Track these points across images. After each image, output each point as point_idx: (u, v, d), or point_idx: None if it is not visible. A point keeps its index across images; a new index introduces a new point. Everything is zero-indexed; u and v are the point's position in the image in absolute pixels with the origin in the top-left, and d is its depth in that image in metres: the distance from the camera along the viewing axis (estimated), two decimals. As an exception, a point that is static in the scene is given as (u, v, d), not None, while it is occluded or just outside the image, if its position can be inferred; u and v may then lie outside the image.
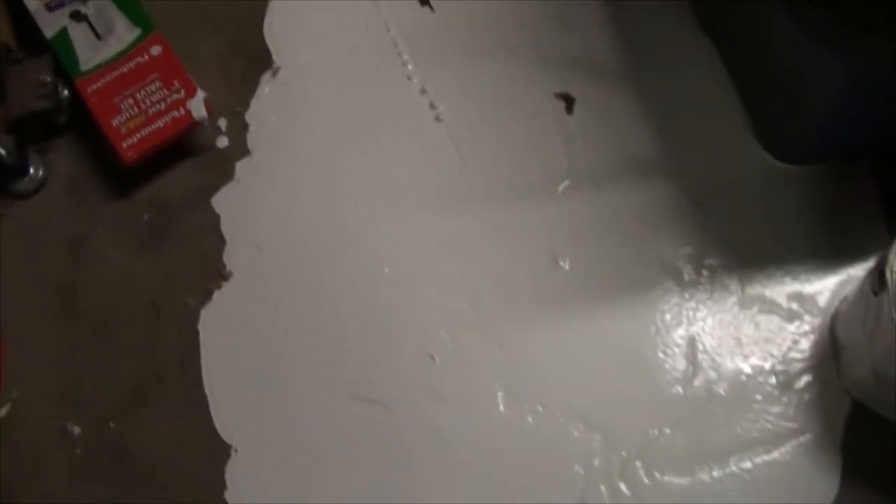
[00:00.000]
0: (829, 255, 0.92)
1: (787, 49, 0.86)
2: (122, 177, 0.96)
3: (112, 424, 0.88)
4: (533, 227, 0.94)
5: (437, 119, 0.99)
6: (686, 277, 0.92)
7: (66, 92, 0.95)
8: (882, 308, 0.75)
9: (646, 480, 0.84)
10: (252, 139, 0.99)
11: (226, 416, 0.88)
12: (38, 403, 0.89)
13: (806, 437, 0.85)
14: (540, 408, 0.87)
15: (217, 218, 0.95)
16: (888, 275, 0.74)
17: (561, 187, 0.96)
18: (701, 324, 0.90)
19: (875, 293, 0.77)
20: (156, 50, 0.95)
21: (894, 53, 0.77)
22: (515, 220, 0.95)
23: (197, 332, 0.91)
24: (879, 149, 0.94)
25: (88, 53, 0.94)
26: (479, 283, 0.92)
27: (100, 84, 0.94)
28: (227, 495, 0.85)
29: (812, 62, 0.84)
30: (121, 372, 0.90)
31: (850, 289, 0.89)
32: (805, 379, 0.87)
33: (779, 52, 0.88)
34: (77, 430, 0.88)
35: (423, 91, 1.00)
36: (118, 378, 0.90)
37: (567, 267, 0.92)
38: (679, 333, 0.90)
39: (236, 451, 0.86)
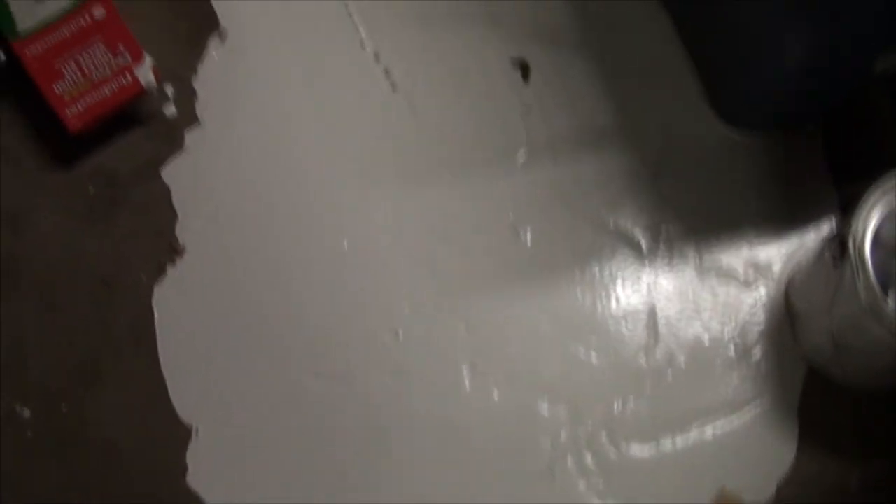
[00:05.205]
0: (781, 222, 0.93)
1: (745, 13, 0.85)
2: (64, 147, 0.91)
3: (64, 405, 0.84)
4: (492, 197, 0.93)
5: (393, 87, 0.96)
6: (644, 247, 0.92)
7: (2, 56, 0.89)
8: (843, 277, 0.77)
9: (612, 450, 0.85)
10: (201, 107, 0.94)
11: (185, 396, 0.85)
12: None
13: (764, 404, 0.87)
14: (505, 382, 0.87)
15: (167, 190, 0.91)
16: (850, 244, 0.75)
17: (519, 157, 0.95)
18: (660, 293, 0.91)
19: (835, 261, 0.78)
20: (99, 11, 0.89)
21: (857, 19, 0.76)
22: (474, 191, 0.93)
23: (151, 309, 0.88)
24: (827, 115, 0.95)
25: (26, 14, 0.89)
26: (439, 255, 0.91)
27: (39, 47, 0.88)
28: (189, 478, 0.82)
29: (773, 27, 0.83)
30: (71, 351, 0.86)
31: (802, 255, 0.91)
32: (762, 346, 0.89)
33: (735, 16, 0.87)
34: (27, 412, 0.84)
35: (377, 58, 0.98)
36: (68, 357, 0.86)
37: (527, 238, 0.92)
38: (639, 303, 0.91)
39: (197, 433, 0.84)
